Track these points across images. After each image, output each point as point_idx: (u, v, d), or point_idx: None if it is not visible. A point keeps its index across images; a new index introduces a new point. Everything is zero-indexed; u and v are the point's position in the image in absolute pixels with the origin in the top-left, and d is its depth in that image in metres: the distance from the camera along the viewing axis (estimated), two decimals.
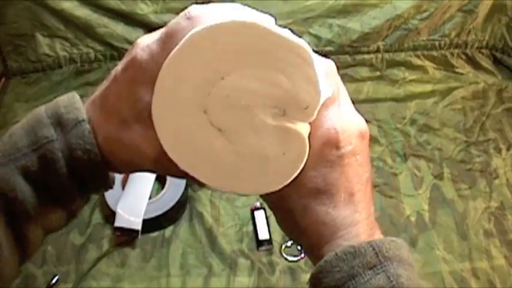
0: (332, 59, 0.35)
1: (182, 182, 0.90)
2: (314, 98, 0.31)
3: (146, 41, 0.33)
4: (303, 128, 0.32)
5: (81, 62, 1.13)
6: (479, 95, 1.14)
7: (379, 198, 0.94)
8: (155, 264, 0.84)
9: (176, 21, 0.32)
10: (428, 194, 0.95)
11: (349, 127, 0.34)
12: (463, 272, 0.84)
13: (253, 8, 0.34)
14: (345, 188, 0.33)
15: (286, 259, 0.85)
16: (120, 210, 0.84)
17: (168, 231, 0.88)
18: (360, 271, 0.31)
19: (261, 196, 0.36)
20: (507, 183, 0.97)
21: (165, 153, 0.32)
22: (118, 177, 0.52)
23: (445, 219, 0.92)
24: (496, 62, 1.21)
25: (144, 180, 0.89)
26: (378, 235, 0.35)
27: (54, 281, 0.81)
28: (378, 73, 1.16)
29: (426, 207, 0.93)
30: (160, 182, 0.93)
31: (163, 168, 0.34)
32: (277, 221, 0.37)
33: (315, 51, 0.32)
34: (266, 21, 0.31)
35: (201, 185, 0.34)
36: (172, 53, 0.31)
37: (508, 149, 1.03)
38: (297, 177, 0.33)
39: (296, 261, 0.85)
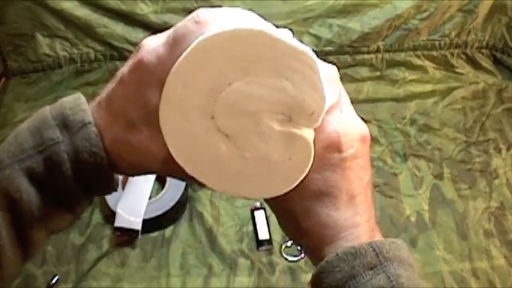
0: (332, 59, 0.36)
1: (182, 182, 0.90)
2: (319, 105, 0.32)
3: (152, 44, 0.33)
4: (308, 134, 0.33)
5: (81, 62, 1.13)
6: (479, 95, 1.14)
7: (379, 198, 0.94)
8: (155, 264, 0.84)
9: (184, 25, 0.33)
10: (428, 194, 0.95)
11: (351, 131, 0.34)
12: (463, 272, 0.84)
13: (253, 8, 0.34)
14: (347, 191, 0.34)
15: (286, 259, 0.85)
16: (120, 210, 0.84)
17: (168, 231, 0.88)
18: (361, 271, 0.31)
19: (266, 201, 0.37)
20: (507, 183, 0.97)
21: (172, 156, 0.33)
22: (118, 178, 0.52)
23: (445, 219, 0.92)
24: (496, 62, 1.21)
25: (144, 180, 0.89)
26: (378, 237, 0.35)
27: (54, 281, 0.81)
28: (378, 73, 1.16)
29: (426, 207, 0.93)
30: (160, 182, 0.93)
31: (171, 170, 0.34)
32: (279, 223, 0.38)
33: (315, 52, 0.32)
34: (272, 29, 0.32)
35: (204, 186, 0.34)
36: (180, 59, 0.31)
37: (508, 149, 1.03)
38: (301, 181, 0.33)
39: (296, 261, 0.85)
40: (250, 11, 0.34)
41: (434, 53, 1.20)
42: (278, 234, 0.88)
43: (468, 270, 0.84)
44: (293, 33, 0.34)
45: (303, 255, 0.85)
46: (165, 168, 0.35)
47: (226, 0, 1.06)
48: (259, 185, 0.33)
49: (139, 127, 0.33)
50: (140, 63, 0.32)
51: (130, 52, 1.11)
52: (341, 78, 0.36)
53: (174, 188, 0.90)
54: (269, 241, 0.87)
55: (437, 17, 1.16)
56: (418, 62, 1.18)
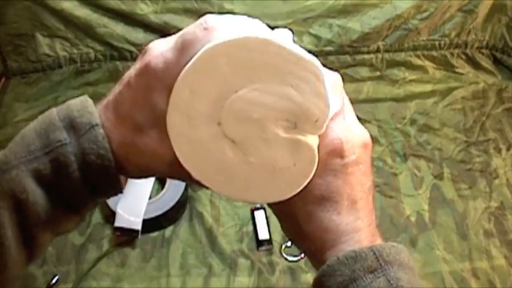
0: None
1: (182, 182, 0.90)
2: (324, 112, 0.32)
3: (160, 48, 0.33)
4: (313, 140, 0.33)
5: (81, 62, 1.13)
6: (479, 95, 1.14)
7: (379, 198, 0.94)
8: (155, 264, 0.84)
9: (192, 31, 0.33)
10: (428, 194, 0.95)
11: (353, 138, 0.35)
12: (463, 272, 0.84)
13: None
14: (348, 196, 0.34)
15: (286, 259, 0.85)
16: (120, 210, 0.84)
17: (168, 231, 0.88)
18: (361, 275, 0.32)
19: (269, 205, 0.38)
20: (507, 183, 0.97)
21: (178, 160, 0.33)
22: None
23: (445, 219, 0.92)
24: (496, 62, 1.21)
25: (144, 180, 0.89)
26: (379, 241, 0.36)
27: (54, 281, 0.81)
28: (378, 73, 1.16)
29: (426, 207, 0.93)
30: (160, 182, 0.93)
31: (177, 173, 0.35)
32: (282, 226, 0.39)
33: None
34: (279, 36, 0.32)
35: (208, 188, 0.35)
36: (187, 67, 0.32)
37: (508, 149, 1.03)
38: (305, 186, 0.34)
39: (296, 261, 0.85)
40: (256, 20, 0.34)
41: (434, 53, 1.20)
42: (278, 234, 0.88)
43: (468, 270, 0.84)
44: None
45: (303, 255, 0.85)
46: (172, 171, 0.35)
47: (226, 0, 1.06)
48: (264, 190, 0.34)
49: (147, 130, 0.33)
50: (148, 68, 0.33)
51: (131, 52, 1.11)
52: (341, 79, 0.36)
53: (174, 188, 0.90)
54: (269, 241, 0.87)
55: (437, 17, 1.16)
56: (418, 62, 1.18)
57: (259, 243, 0.87)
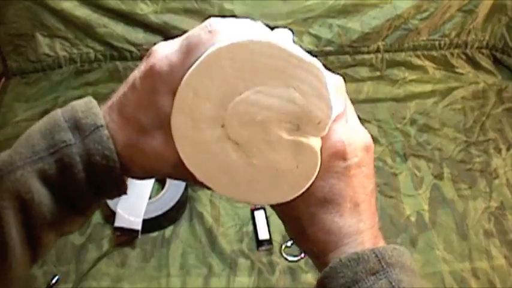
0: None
1: (182, 182, 0.90)
2: (326, 114, 0.33)
3: (165, 51, 0.34)
4: (315, 142, 0.34)
5: (81, 62, 1.13)
6: (479, 95, 1.14)
7: (379, 198, 0.94)
8: (155, 264, 0.84)
9: (197, 34, 0.33)
10: (428, 194, 0.95)
11: (355, 140, 0.35)
12: (463, 272, 0.84)
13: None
14: (351, 198, 0.35)
15: (286, 259, 0.85)
16: (120, 210, 0.84)
17: (168, 231, 0.88)
18: (363, 276, 0.32)
19: (272, 207, 0.38)
20: (507, 183, 0.97)
21: (183, 161, 0.34)
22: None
23: (445, 219, 0.92)
24: (496, 62, 1.21)
25: (144, 181, 0.89)
26: (381, 244, 0.36)
27: (54, 281, 0.81)
28: (378, 73, 1.16)
29: (426, 207, 0.93)
30: (160, 182, 0.93)
31: (181, 175, 0.35)
32: (285, 228, 0.39)
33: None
34: (281, 39, 0.33)
35: (212, 190, 0.35)
36: (191, 69, 0.32)
37: (508, 149, 1.03)
38: (308, 188, 0.34)
39: (296, 261, 0.85)
40: (259, 23, 0.35)
41: (434, 53, 1.20)
42: (278, 234, 0.88)
43: (468, 270, 0.84)
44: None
45: (303, 255, 0.85)
46: (176, 173, 0.35)
47: (226, 0, 1.06)
48: (267, 191, 0.34)
49: (151, 132, 0.34)
50: (152, 70, 0.33)
51: (131, 52, 1.11)
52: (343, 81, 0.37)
53: (174, 188, 0.90)
54: (269, 241, 0.87)
55: (437, 17, 1.16)
56: (418, 62, 1.18)
57: (259, 243, 0.87)
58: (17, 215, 0.33)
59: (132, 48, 1.11)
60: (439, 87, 1.14)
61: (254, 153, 0.33)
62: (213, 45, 0.32)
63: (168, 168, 0.35)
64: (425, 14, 1.14)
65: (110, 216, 0.87)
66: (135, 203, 0.85)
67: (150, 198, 0.88)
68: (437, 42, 1.19)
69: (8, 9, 1.06)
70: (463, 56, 1.20)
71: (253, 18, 0.36)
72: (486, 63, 1.20)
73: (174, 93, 0.33)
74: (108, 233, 0.88)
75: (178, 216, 0.90)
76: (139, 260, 0.85)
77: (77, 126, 0.34)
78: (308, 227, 0.35)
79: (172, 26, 1.08)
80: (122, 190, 0.36)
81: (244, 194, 0.35)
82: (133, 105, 0.34)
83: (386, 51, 1.18)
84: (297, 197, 0.34)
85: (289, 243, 0.87)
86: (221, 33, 0.33)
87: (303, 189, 0.34)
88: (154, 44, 0.35)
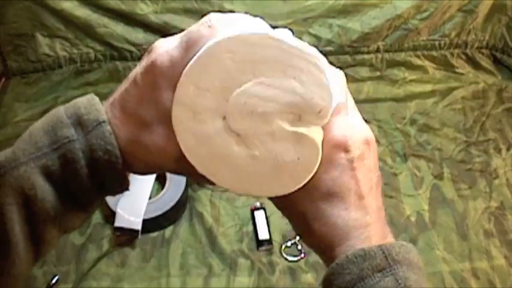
0: (332, 59, 0.36)
1: (182, 182, 0.90)
2: (327, 102, 0.33)
3: (165, 46, 0.34)
4: (317, 136, 0.34)
5: (81, 62, 1.13)
6: (479, 95, 1.14)
7: None
8: (155, 264, 0.84)
9: (197, 29, 0.34)
10: (428, 194, 0.95)
11: (356, 134, 0.35)
12: (463, 272, 0.84)
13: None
14: (355, 191, 0.35)
15: (286, 259, 0.85)
16: (120, 210, 0.84)
17: (168, 231, 0.88)
18: (370, 273, 0.32)
19: (275, 204, 0.38)
20: (507, 183, 0.97)
21: (184, 155, 0.34)
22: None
23: (445, 219, 0.92)
24: (496, 62, 1.21)
25: (144, 180, 0.89)
26: (390, 239, 0.36)
27: (54, 281, 0.81)
28: (378, 73, 1.16)
29: (426, 207, 0.93)
30: (160, 182, 0.93)
31: (183, 169, 0.35)
32: (292, 226, 0.38)
33: None
34: (280, 33, 0.33)
35: (213, 184, 0.35)
36: (192, 62, 0.32)
37: (508, 149, 1.03)
38: (308, 181, 0.34)
39: (296, 261, 0.85)
40: (258, 18, 0.35)
41: (434, 53, 1.20)
42: (278, 234, 0.88)
43: (468, 270, 0.84)
44: (293, 33, 0.35)
45: (303, 255, 0.85)
46: (178, 167, 0.36)
47: (226, 0, 1.06)
48: (268, 183, 0.34)
49: (153, 127, 0.34)
50: (153, 65, 0.33)
51: (131, 52, 1.11)
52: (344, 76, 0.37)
53: (174, 188, 0.90)
54: (269, 241, 0.87)
55: (437, 17, 1.16)
56: (418, 62, 1.18)
57: (259, 243, 0.87)
58: (20, 211, 0.33)
59: (132, 48, 1.11)
60: (439, 87, 1.14)
61: (255, 144, 0.33)
62: (212, 39, 0.33)
63: (170, 162, 0.35)
64: (425, 14, 1.14)
65: (110, 216, 0.87)
66: (135, 203, 0.85)
67: (150, 198, 0.88)
68: (437, 42, 1.19)
69: (8, 9, 1.06)
70: (463, 56, 1.20)
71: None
72: (486, 63, 1.20)
73: (175, 88, 0.33)
74: (108, 233, 0.88)
75: (178, 216, 0.90)
76: (139, 260, 0.85)
77: (79, 122, 0.34)
78: (314, 222, 0.35)
79: (172, 26, 1.08)
80: (124, 186, 0.36)
81: (245, 186, 0.35)
82: (135, 100, 0.34)
83: (386, 51, 1.18)
84: (298, 190, 0.34)
85: (289, 243, 0.87)
86: (221, 28, 0.33)
87: (303, 182, 0.34)
88: None
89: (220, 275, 0.83)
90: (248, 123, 0.33)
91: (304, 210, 0.35)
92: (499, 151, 1.03)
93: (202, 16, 0.35)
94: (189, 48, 0.33)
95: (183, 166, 0.35)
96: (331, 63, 0.35)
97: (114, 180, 0.35)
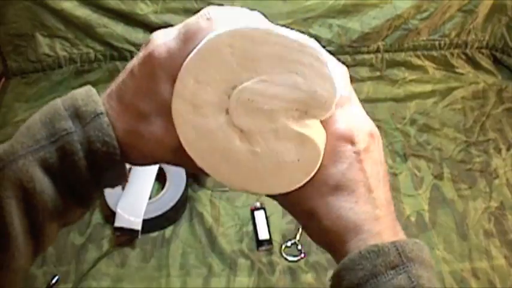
0: None
1: (182, 182, 0.90)
2: (331, 93, 0.33)
3: (163, 38, 0.34)
4: (320, 138, 0.34)
5: (81, 62, 1.13)
6: (479, 95, 1.14)
7: None
8: (155, 264, 0.84)
9: (195, 21, 0.33)
10: (428, 194, 0.95)
11: (361, 126, 0.35)
12: (463, 272, 0.84)
13: (253, 8, 0.35)
14: (364, 183, 0.34)
15: (286, 259, 0.85)
16: (120, 210, 0.84)
17: (168, 231, 0.88)
18: (382, 270, 0.32)
19: (279, 202, 0.38)
20: (507, 183, 0.97)
21: (183, 147, 0.34)
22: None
23: (445, 219, 0.92)
24: (496, 62, 1.21)
25: (144, 180, 0.89)
26: (401, 234, 0.35)
27: (54, 281, 0.81)
28: (378, 73, 1.16)
29: (426, 207, 0.93)
30: (160, 182, 0.93)
31: (181, 161, 0.35)
32: (302, 226, 0.38)
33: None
34: (278, 28, 0.33)
35: (209, 176, 0.35)
36: (191, 55, 0.32)
37: (508, 149, 1.03)
38: (307, 182, 0.34)
39: (296, 261, 0.85)
40: (256, 12, 0.35)
41: (434, 53, 1.20)
42: (278, 234, 0.88)
43: (468, 270, 0.84)
44: None
45: (302, 255, 0.85)
46: (176, 159, 0.35)
47: (226, 0, 1.06)
48: (266, 181, 0.34)
49: (151, 118, 0.34)
50: (151, 57, 0.33)
51: (131, 52, 1.11)
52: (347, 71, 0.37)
53: (174, 188, 0.90)
54: (269, 241, 0.87)
55: (437, 17, 1.16)
56: (418, 62, 1.18)
57: (259, 243, 0.87)
58: (19, 205, 0.33)
59: (132, 48, 1.11)
60: (439, 87, 1.14)
61: (258, 141, 0.33)
62: (212, 32, 0.32)
63: (167, 154, 0.35)
64: (425, 14, 1.14)
65: (110, 216, 0.87)
66: (135, 203, 0.85)
67: (150, 198, 0.88)
68: (437, 42, 1.19)
69: (8, 9, 1.06)
70: (463, 56, 1.20)
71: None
72: (486, 63, 1.20)
73: (172, 80, 0.33)
74: (108, 233, 0.88)
75: (178, 216, 0.90)
76: (139, 260, 0.85)
77: (77, 114, 0.34)
78: (324, 217, 0.34)
79: (172, 25, 1.08)
80: (122, 177, 0.36)
81: (243, 182, 0.34)
82: (132, 92, 0.34)
83: (387, 51, 1.18)
84: (303, 186, 0.34)
85: (289, 243, 0.87)
86: (219, 21, 0.33)
87: (302, 183, 0.34)
88: None
89: (220, 275, 0.83)
90: (252, 120, 0.33)
91: (312, 206, 0.35)
92: (499, 151, 1.03)
93: None
94: (187, 40, 0.33)
95: (180, 157, 0.34)
96: None
97: (113, 171, 0.35)
